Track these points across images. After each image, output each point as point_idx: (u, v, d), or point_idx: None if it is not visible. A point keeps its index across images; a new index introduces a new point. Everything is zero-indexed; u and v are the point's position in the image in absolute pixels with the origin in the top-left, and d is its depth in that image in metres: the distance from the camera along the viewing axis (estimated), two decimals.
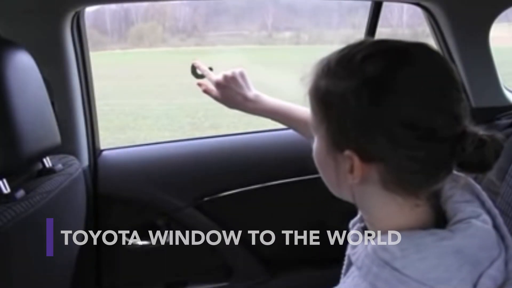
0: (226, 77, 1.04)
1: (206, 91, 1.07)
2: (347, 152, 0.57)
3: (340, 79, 0.57)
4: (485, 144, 0.55)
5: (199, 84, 1.07)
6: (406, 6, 1.66)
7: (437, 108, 0.55)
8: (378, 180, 0.57)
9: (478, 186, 0.62)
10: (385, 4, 1.52)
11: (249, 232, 1.49)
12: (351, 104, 0.55)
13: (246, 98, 1.04)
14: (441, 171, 0.57)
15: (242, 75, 1.05)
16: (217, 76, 1.04)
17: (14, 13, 1.22)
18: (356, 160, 0.56)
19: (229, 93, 1.04)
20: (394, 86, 0.54)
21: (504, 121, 1.40)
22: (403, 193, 0.57)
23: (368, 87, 0.55)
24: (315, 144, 0.64)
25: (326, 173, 0.63)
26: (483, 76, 1.51)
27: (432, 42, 1.55)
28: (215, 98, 1.06)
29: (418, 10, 1.52)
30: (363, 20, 1.58)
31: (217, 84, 1.04)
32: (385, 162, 0.56)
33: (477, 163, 0.56)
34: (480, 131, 0.56)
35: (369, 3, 1.53)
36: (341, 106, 0.56)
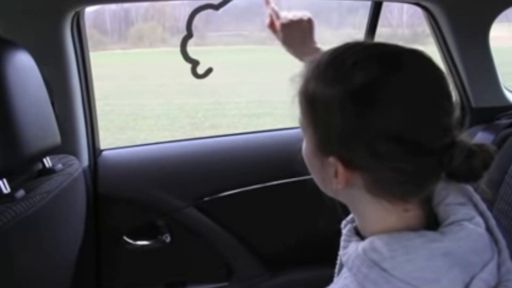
0: (292, 21, 1.01)
1: (270, 27, 1.04)
2: (331, 159, 0.56)
3: (327, 85, 0.56)
4: (474, 154, 0.55)
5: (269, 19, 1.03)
6: (406, 6, 1.66)
7: (425, 121, 0.54)
8: (363, 186, 0.57)
9: (470, 188, 0.62)
10: (385, 4, 1.52)
11: (249, 232, 1.49)
12: (335, 114, 0.55)
13: (305, 48, 1.01)
14: (428, 180, 0.57)
15: (310, 23, 1.02)
16: (283, 19, 1.01)
17: (14, 13, 1.21)
18: (340, 167, 0.56)
19: (291, 37, 1.01)
20: (380, 99, 0.53)
21: (504, 121, 1.39)
22: (390, 199, 0.57)
23: (353, 99, 0.54)
24: (304, 143, 0.64)
25: (314, 173, 0.64)
26: (483, 76, 1.50)
27: (432, 42, 1.55)
28: (276, 36, 1.04)
29: (418, 10, 1.52)
30: (363, 20, 1.58)
31: (282, 25, 1.01)
32: (369, 172, 0.56)
33: (465, 173, 0.56)
34: (470, 141, 0.56)
35: (369, 3, 1.53)
36: (326, 114, 0.56)
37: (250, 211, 1.48)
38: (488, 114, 1.44)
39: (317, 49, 1.02)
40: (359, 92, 0.54)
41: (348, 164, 0.56)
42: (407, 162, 0.54)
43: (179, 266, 1.49)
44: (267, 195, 1.47)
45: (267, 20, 1.04)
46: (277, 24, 1.02)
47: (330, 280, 0.72)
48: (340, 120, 0.54)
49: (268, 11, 1.04)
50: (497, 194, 1.02)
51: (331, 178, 0.58)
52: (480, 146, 0.56)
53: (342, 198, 0.62)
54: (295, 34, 1.01)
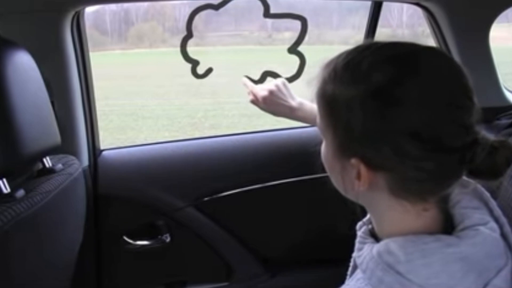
0: (271, 92, 1.11)
1: (253, 102, 1.14)
2: (353, 160, 0.56)
3: (347, 86, 0.56)
4: (497, 151, 0.54)
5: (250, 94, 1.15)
6: (406, 6, 1.66)
7: (447, 119, 0.53)
8: (385, 187, 0.57)
9: (487, 193, 0.62)
10: (385, 4, 1.52)
11: (249, 232, 1.49)
12: (356, 114, 0.54)
13: (291, 108, 1.11)
14: (450, 178, 0.57)
15: (284, 85, 1.12)
16: (263, 91, 1.11)
17: (14, 13, 1.21)
18: (363, 168, 0.56)
19: (276, 104, 1.11)
20: (402, 97, 0.53)
21: (504, 121, 1.40)
22: (411, 199, 0.57)
23: (374, 98, 0.54)
24: (323, 148, 0.63)
25: (334, 177, 0.63)
26: (483, 76, 1.51)
27: (432, 42, 1.55)
28: (262, 108, 1.14)
29: (418, 10, 1.52)
30: (363, 20, 1.58)
31: (264, 99, 1.11)
32: (392, 171, 0.55)
33: (487, 170, 0.55)
34: (492, 137, 0.55)
35: (369, 3, 1.53)
36: (347, 115, 0.56)
37: (250, 211, 1.48)
38: (488, 114, 1.43)
39: (301, 103, 1.12)
40: (379, 92, 0.53)
41: (371, 164, 0.55)
42: (428, 160, 0.53)
43: (179, 266, 1.49)
44: (267, 195, 1.47)
45: (250, 97, 1.14)
46: (259, 97, 1.12)
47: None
48: (362, 119, 0.54)
49: (247, 90, 1.15)
50: (497, 194, 1.02)
51: (352, 181, 0.57)
52: (502, 143, 0.55)
53: (362, 200, 0.61)
54: (278, 102, 1.11)
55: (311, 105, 1.07)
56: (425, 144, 0.53)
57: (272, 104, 1.11)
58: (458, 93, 0.55)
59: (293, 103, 1.11)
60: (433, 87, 0.54)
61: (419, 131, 0.52)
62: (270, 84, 1.12)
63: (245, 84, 1.15)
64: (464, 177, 0.59)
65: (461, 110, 0.54)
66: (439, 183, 0.56)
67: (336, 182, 0.63)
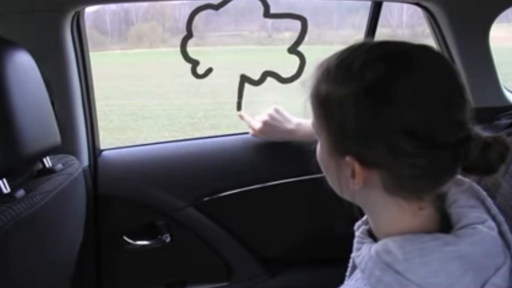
0: (265, 122, 1.16)
1: (254, 135, 1.22)
2: (348, 158, 0.56)
3: (340, 85, 0.56)
4: (490, 147, 0.54)
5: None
6: (406, 6, 1.66)
7: (440, 116, 0.54)
8: (380, 185, 0.57)
9: (483, 192, 0.62)
10: (385, 4, 1.52)
11: (249, 232, 1.49)
12: (350, 112, 0.55)
13: (289, 131, 1.16)
14: (444, 175, 0.57)
15: (277, 112, 1.16)
16: (258, 124, 1.17)
17: (14, 13, 1.21)
18: (357, 166, 0.56)
19: (273, 132, 1.17)
20: (394, 95, 0.53)
21: (504, 121, 1.40)
22: (406, 197, 0.57)
23: (367, 96, 0.54)
24: (318, 148, 0.64)
25: (329, 176, 0.63)
26: (483, 76, 1.51)
27: (432, 42, 1.55)
28: (264, 139, 1.20)
29: (418, 10, 1.52)
30: (363, 20, 1.58)
31: (260, 131, 1.17)
32: (386, 169, 0.55)
33: (482, 166, 0.55)
34: (485, 133, 0.55)
35: (369, 3, 1.52)
36: (340, 113, 0.56)
37: (250, 211, 1.48)
38: (488, 114, 1.44)
39: (299, 123, 1.16)
40: (373, 88, 0.54)
41: (365, 162, 0.56)
42: (422, 157, 0.53)
43: (179, 266, 1.49)
44: (267, 195, 1.46)
45: (250, 131, 1.22)
46: (256, 129, 1.19)
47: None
48: (355, 117, 0.54)
49: (247, 123, 1.22)
50: (497, 194, 1.02)
51: (348, 179, 0.58)
52: (496, 138, 0.55)
53: (358, 200, 0.62)
54: (275, 130, 1.17)
55: (309, 123, 1.08)
56: (418, 141, 0.53)
57: (270, 133, 1.17)
58: (451, 90, 0.56)
59: (290, 126, 1.16)
60: (426, 85, 0.54)
61: (411, 128, 0.53)
62: (263, 115, 1.16)
63: (242, 119, 1.21)
64: (459, 176, 0.59)
65: (454, 107, 0.55)
66: (434, 180, 0.56)
67: (332, 181, 0.63)
